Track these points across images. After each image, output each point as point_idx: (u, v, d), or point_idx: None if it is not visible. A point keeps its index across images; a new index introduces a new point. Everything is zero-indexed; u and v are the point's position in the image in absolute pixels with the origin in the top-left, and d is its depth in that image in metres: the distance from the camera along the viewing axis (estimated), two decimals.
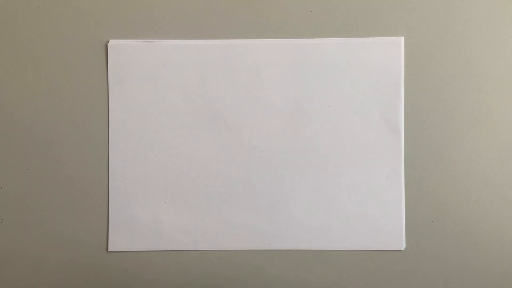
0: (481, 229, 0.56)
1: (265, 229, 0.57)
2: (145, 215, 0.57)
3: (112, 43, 0.57)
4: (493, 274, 0.54)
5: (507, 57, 0.56)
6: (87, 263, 0.57)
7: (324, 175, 0.56)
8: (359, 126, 0.56)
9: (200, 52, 0.57)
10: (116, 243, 0.57)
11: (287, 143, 0.56)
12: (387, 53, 0.57)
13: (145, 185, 0.57)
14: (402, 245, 0.57)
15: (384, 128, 0.56)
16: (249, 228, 0.57)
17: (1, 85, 0.57)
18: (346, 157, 0.56)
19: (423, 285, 0.57)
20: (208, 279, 0.57)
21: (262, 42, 0.57)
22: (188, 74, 0.57)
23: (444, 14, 0.57)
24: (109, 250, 0.57)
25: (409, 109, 0.56)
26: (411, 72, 0.57)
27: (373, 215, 0.57)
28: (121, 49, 0.57)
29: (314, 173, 0.56)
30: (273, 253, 0.57)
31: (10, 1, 0.57)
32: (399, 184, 0.56)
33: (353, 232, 0.57)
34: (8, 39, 0.57)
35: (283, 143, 0.56)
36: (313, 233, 0.57)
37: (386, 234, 0.57)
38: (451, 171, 0.56)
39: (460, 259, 0.57)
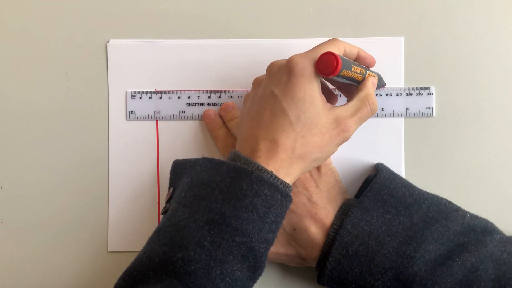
0: None
1: None
2: (145, 215, 0.57)
3: (112, 43, 0.57)
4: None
5: (507, 56, 0.57)
6: (87, 264, 0.57)
7: None
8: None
9: (200, 52, 0.57)
10: (116, 243, 0.57)
11: None
12: (387, 53, 0.57)
13: (145, 185, 0.57)
14: None
15: (385, 128, 0.56)
16: None
17: (1, 85, 0.57)
18: (346, 157, 0.56)
19: None
20: None
21: (262, 42, 0.57)
22: (188, 74, 0.57)
23: (444, 14, 0.57)
24: (109, 250, 0.57)
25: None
26: (411, 72, 0.57)
27: None
28: (121, 49, 0.57)
29: None
30: None
31: (10, 1, 0.57)
32: None
33: None
34: (8, 39, 0.57)
35: None
36: None
37: None
38: (451, 171, 0.56)
39: None
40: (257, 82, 0.51)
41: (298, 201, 0.52)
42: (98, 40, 0.57)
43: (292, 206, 0.52)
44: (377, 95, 0.56)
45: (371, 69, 0.52)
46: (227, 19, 0.57)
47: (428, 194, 0.52)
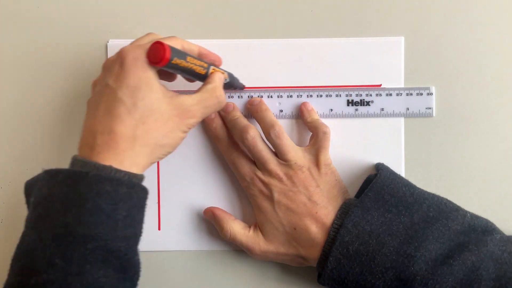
0: None
1: None
2: (145, 215, 0.57)
3: (112, 43, 0.57)
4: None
5: (508, 56, 0.57)
6: None
7: None
8: (359, 126, 0.56)
9: None
10: None
11: None
12: (387, 53, 0.57)
13: (145, 185, 0.57)
14: None
15: (385, 128, 0.56)
16: None
17: (1, 85, 0.57)
18: (346, 157, 0.56)
19: None
20: (208, 279, 0.57)
21: (262, 42, 0.57)
22: None
23: (444, 14, 0.57)
24: None
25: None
26: (411, 72, 0.57)
27: None
28: None
29: None
30: None
31: (10, 1, 0.57)
32: None
33: None
34: (8, 39, 0.57)
35: None
36: None
37: None
38: (451, 171, 0.56)
39: None
40: (94, 84, 0.50)
41: (298, 200, 0.52)
42: (98, 40, 0.57)
43: (292, 205, 0.52)
44: (378, 95, 0.56)
45: (222, 69, 0.53)
46: (227, 19, 0.57)
47: (429, 193, 0.52)
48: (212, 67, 0.51)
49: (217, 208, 0.56)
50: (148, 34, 0.50)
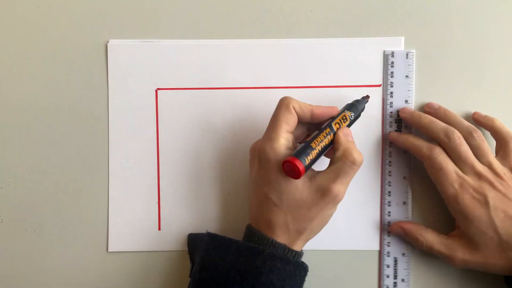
0: None
1: None
2: (145, 215, 0.57)
3: (112, 43, 0.57)
4: (493, 274, 0.54)
5: (508, 56, 0.57)
6: (87, 264, 0.57)
7: None
8: (359, 126, 0.56)
9: (200, 52, 0.57)
10: (116, 243, 0.57)
11: None
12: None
13: (145, 185, 0.57)
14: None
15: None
16: None
17: (1, 85, 0.57)
18: None
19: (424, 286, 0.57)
20: None
21: (262, 42, 0.57)
22: (188, 74, 0.57)
23: (445, 14, 0.57)
24: (109, 250, 0.57)
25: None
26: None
27: (373, 215, 0.57)
28: (121, 49, 0.57)
29: None
30: None
31: (10, 1, 0.57)
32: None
33: (359, 231, 0.57)
34: (8, 39, 0.57)
35: None
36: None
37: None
38: None
39: None
40: (253, 150, 0.52)
41: None
42: (98, 40, 0.57)
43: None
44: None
45: (342, 109, 0.51)
46: (227, 19, 0.57)
47: None
48: (334, 122, 0.48)
49: (404, 222, 0.55)
50: (283, 99, 0.49)
